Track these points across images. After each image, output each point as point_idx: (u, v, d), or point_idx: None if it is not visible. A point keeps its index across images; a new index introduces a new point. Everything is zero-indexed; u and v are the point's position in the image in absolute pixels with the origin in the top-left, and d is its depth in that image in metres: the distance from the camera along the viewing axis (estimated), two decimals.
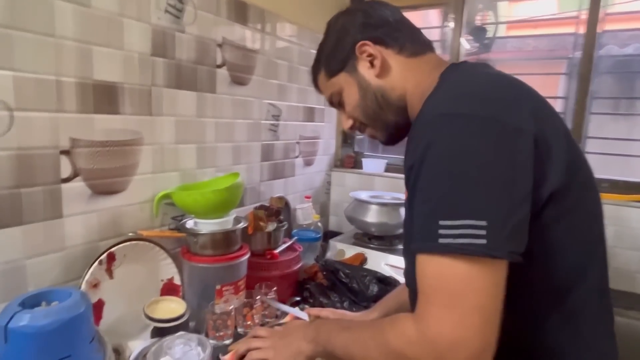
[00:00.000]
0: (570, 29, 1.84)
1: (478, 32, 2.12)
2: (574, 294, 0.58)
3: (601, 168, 2.46)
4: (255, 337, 0.83)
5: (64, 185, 0.84)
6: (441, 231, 0.50)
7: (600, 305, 0.61)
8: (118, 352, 0.81)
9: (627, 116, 2.71)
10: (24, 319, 0.63)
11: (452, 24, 1.75)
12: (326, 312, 0.99)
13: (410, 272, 0.64)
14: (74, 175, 0.86)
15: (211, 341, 0.88)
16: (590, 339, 0.60)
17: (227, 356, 0.84)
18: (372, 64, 0.71)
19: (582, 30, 1.66)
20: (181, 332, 0.77)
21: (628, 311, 1.37)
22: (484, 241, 0.48)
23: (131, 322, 0.92)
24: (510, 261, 0.50)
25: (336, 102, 0.79)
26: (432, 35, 2.20)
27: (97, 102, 0.88)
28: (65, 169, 0.84)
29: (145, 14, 0.96)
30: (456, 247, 0.49)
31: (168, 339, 0.73)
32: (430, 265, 0.52)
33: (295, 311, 1.09)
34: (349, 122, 0.79)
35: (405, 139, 0.70)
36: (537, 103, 0.58)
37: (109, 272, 0.91)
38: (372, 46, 0.70)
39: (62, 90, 0.82)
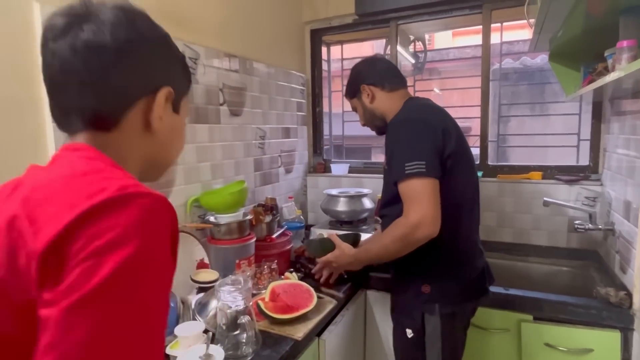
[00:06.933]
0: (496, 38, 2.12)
1: (414, 56, 2.70)
2: (461, 201, 1.18)
3: (525, 157, 3.04)
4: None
5: None
6: (406, 168, 1.08)
7: (473, 211, 1.23)
8: (182, 301, 1.22)
9: (541, 116, 3.36)
10: None
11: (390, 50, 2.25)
12: None
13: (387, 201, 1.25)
14: None
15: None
16: (468, 224, 1.22)
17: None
18: (367, 96, 1.34)
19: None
20: (230, 276, 1.17)
21: (528, 257, 1.84)
22: (424, 170, 1.06)
23: (180, 287, 1.33)
24: (437, 179, 1.08)
25: (355, 111, 1.43)
26: None
27: None
28: None
29: None
30: (414, 174, 1.07)
31: (219, 282, 1.14)
32: (404, 186, 1.11)
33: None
34: (362, 121, 1.42)
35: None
36: (444, 114, 1.22)
37: None
38: (367, 87, 1.33)
39: None
